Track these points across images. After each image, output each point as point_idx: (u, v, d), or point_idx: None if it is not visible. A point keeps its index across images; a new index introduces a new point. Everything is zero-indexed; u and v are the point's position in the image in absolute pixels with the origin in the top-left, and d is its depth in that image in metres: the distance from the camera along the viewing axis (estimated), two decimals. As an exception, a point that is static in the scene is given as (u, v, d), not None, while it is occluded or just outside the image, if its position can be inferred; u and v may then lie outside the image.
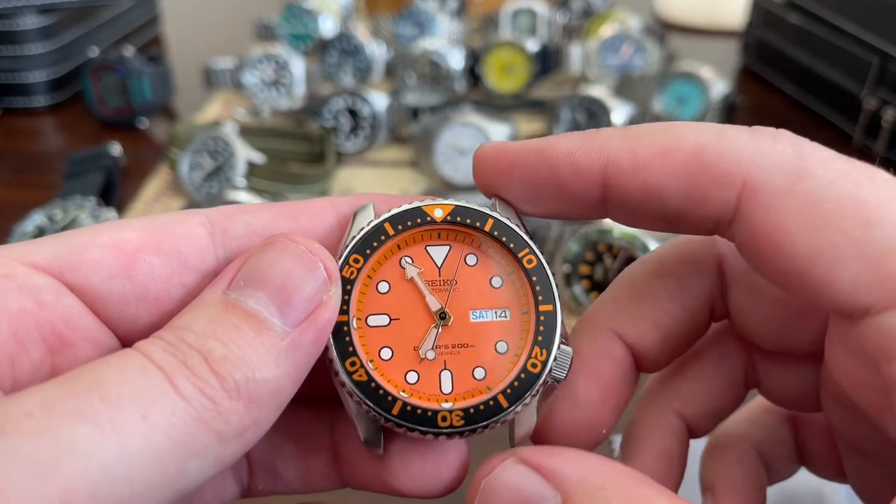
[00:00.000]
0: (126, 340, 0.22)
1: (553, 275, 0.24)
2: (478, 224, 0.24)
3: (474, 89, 0.91)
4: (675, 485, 0.28)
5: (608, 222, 0.53)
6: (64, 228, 0.60)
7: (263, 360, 0.19)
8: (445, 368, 0.23)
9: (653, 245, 0.51)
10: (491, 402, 0.22)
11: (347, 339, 0.22)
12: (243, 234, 0.23)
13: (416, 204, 0.24)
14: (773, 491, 0.38)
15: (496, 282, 0.24)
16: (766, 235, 0.20)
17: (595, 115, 0.76)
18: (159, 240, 0.22)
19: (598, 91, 0.77)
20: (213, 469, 0.18)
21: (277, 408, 0.20)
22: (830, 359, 0.22)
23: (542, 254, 0.24)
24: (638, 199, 0.22)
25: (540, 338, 0.23)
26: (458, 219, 0.24)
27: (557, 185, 0.23)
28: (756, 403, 0.31)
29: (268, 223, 0.24)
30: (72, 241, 0.22)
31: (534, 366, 0.23)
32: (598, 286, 0.53)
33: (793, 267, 0.20)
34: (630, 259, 0.52)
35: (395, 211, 0.23)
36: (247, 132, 0.73)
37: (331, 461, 0.25)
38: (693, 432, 0.29)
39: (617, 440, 0.43)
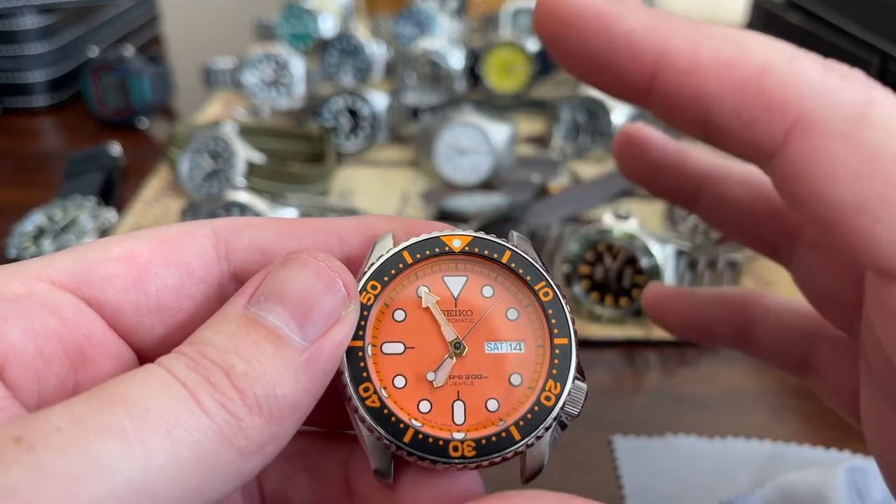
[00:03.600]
0: (142, 353, 0.23)
1: (570, 309, 0.23)
2: (495, 256, 0.24)
3: (474, 89, 0.91)
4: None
5: (608, 222, 0.53)
6: (64, 228, 0.60)
7: (283, 376, 0.19)
8: (458, 399, 0.23)
9: (654, 246, 0.51)
10: (503, 434, 0.22)
11: (362, 364, 0.22)
12: (246, 249, 0.24)
13: (434, 234, 0.24)
14: (773, 491, 0.39)
15: (512, 314, 0.24)
16: (810, 178, 0.19)
17: (595, 115, 0.76)
18: (168, 251, 0.22)
19: (598, 91, 0.77)
20: (233, 484, 0.18)
21: (296, 423, 0.20)
22: (871, 313, 0.21)
23: (550, 270, 0.23)
24: (684, 102, 0.21)
25: (554, 371, 0.23)
26: (476, 250, 0.24)
27: (608, 60, 0.22)
28: (793, 300, 0.31)
29: (270, 239, 0.24)
30: (86, 256, 0.22)
31: (547, 399, 0.22)
32: (598, 286, 0.53)
33: (833, 215, 0.19)
34: (630, 259, 0.52)
35: (414, 240, 0.24)
36: (247, 132, 0.73)
37: (344, 495, 0.25)
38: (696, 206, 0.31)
39: (617, 440, 0.43)
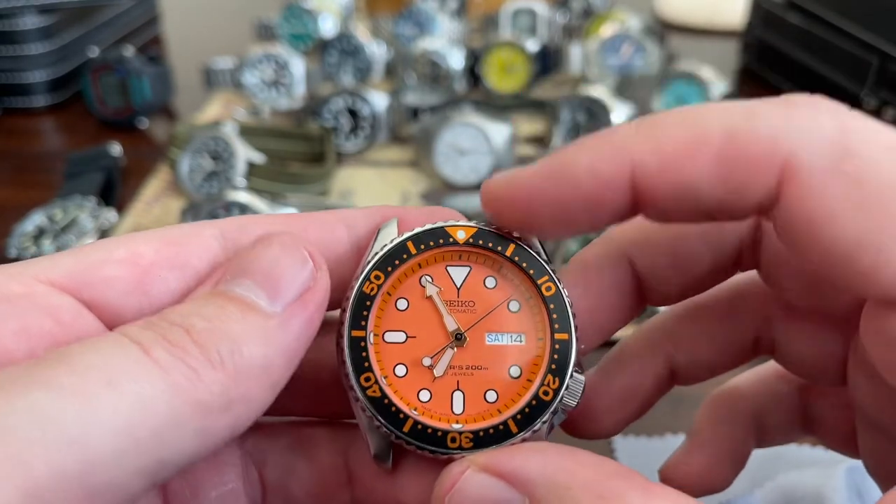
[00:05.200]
0: None
1: (571, 304, 0.24)
2: (499, 248, 0.24)
3: (474, 89, 0.91)
4: (633, 419, 0.28)
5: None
6: (64, 228, 0.60)
7: (250, 336, 0.19)
8: (458, 389, 0.23)
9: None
10: (501, 427, 0.22)
11: (364, 353, 0.23)
12: None
13: (439, 224, 0.24)
14: (773, 491, 0.39)
15: (514, 306, 0.24)
16: (807, 220, 0.19)
17: (595, 115, 0.76)
18: (173, 253, 0.22)
19: (598, 91, 0.77)
20: (195, 442, 0.18)
21: (269, 388, 0.19)
22: (866, 339, 0.21)
23: (559, 280, 0.24)
24: (672, 198, 0.21)
25: (553, 366, 0.23)
26: (481, 242, 0.24)
27: (585, 202, 0.21)
28: (769, 366, 0.30)
29: None
30: (88, 257, 0.22)
31: (545, 393, 0.23)
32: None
33: (835, 253, 0.19)
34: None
35: (418, 230, 0.24)
36: (247, 132, 0.73)
37: (345, 482, 0.25)
38: (678, 379, 0.28)
39: (617, 440, 0.43)
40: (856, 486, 0.37)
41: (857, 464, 0.38)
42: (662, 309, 0.36)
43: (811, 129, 0.19)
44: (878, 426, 0.25)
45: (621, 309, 0.26)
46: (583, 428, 0.28)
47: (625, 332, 0.29)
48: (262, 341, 0.19)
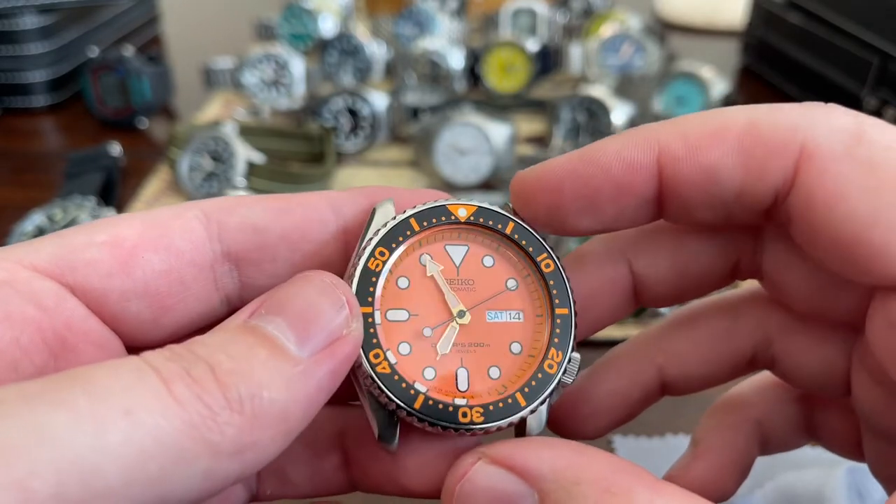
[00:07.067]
0: (129, 339, 0.23)
1: (569, 280, 0.24)
2: (499, 227, 0.24)
3: (474, 89, 0.91)
4: (616, 424, 0.29)
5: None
6: (64, 228, 0.60)
7: (273, 380, 0.18)
8: (462, 366, 0.23)
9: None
10: (509, 401, 0.23)
11: (372, 330, 0.23)
12: (238, 228, 0.23)
13: (441, 202, 0.24)
14: (773, 491, 0.38)
15: (511, 284, 0.24)
16: (822, 200, 0.20)
17: (595, 115, 0.76)
18: (156, 235, 0.22)
19: (598, 91, 0.77)
20: (201, 483, 0.17)
21: (282, 436, 0.19)
22: (872, 333, 0.21)
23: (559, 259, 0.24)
24: (695, 185, 0.22)
25: (556, 340, 0.23)
26: (481, 220, 0.24)
27: (613, 187, 0.22)
28: (770, 374, 0.30)
29: (263, 216, 0.23)
30: (70, 241, 0.22)
31: (550, 367, 0.23)
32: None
33: (848, 233, 0.20)
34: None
35: (420, 207, 0.24)
36: (247, 132, 0.73)
37: (341, 463, 0.25)
38: (668, 390, 0.29)
39: (617, 440, 0.43)
40: (856, 487, 0.37)
41: (858, 464, 0.38)
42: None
43: (828, 120, 0.21)
44: (883, 433, 0.25)
45: (613, 306, 0.27)
46: (567, 428, 0.28)
47: (611, 332, 0.29)
48: (283, 388, 0.18)
